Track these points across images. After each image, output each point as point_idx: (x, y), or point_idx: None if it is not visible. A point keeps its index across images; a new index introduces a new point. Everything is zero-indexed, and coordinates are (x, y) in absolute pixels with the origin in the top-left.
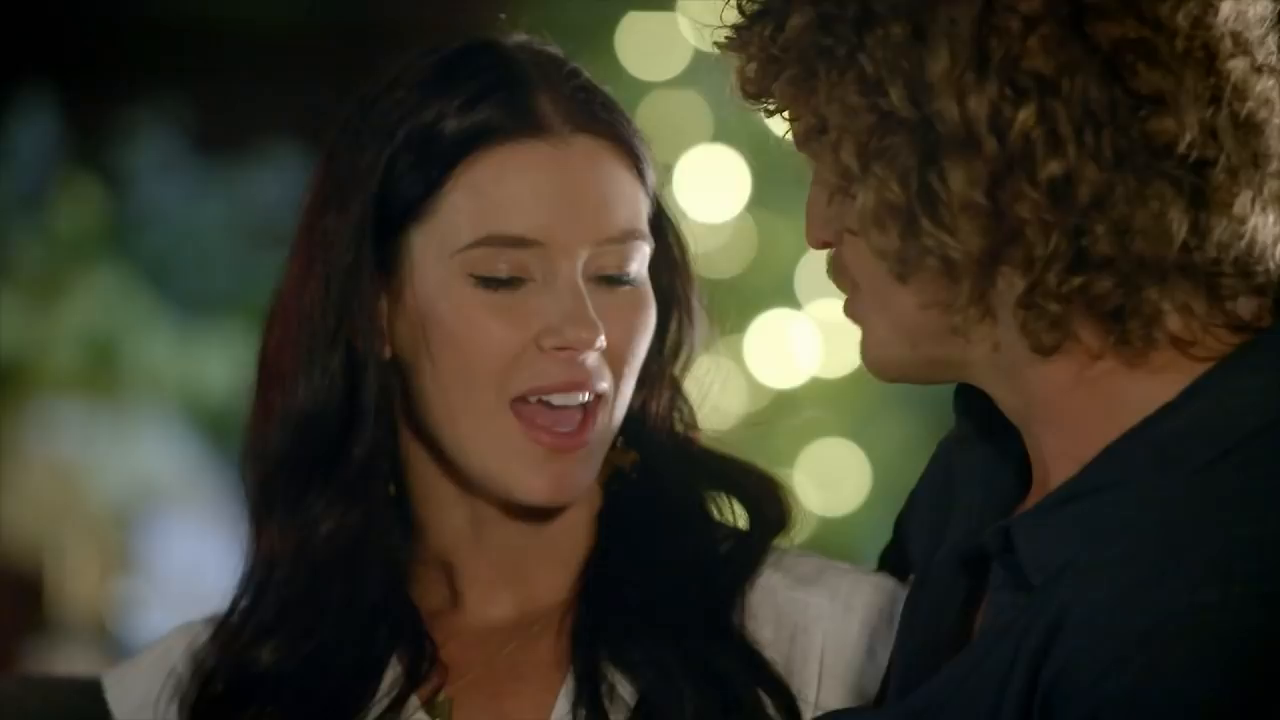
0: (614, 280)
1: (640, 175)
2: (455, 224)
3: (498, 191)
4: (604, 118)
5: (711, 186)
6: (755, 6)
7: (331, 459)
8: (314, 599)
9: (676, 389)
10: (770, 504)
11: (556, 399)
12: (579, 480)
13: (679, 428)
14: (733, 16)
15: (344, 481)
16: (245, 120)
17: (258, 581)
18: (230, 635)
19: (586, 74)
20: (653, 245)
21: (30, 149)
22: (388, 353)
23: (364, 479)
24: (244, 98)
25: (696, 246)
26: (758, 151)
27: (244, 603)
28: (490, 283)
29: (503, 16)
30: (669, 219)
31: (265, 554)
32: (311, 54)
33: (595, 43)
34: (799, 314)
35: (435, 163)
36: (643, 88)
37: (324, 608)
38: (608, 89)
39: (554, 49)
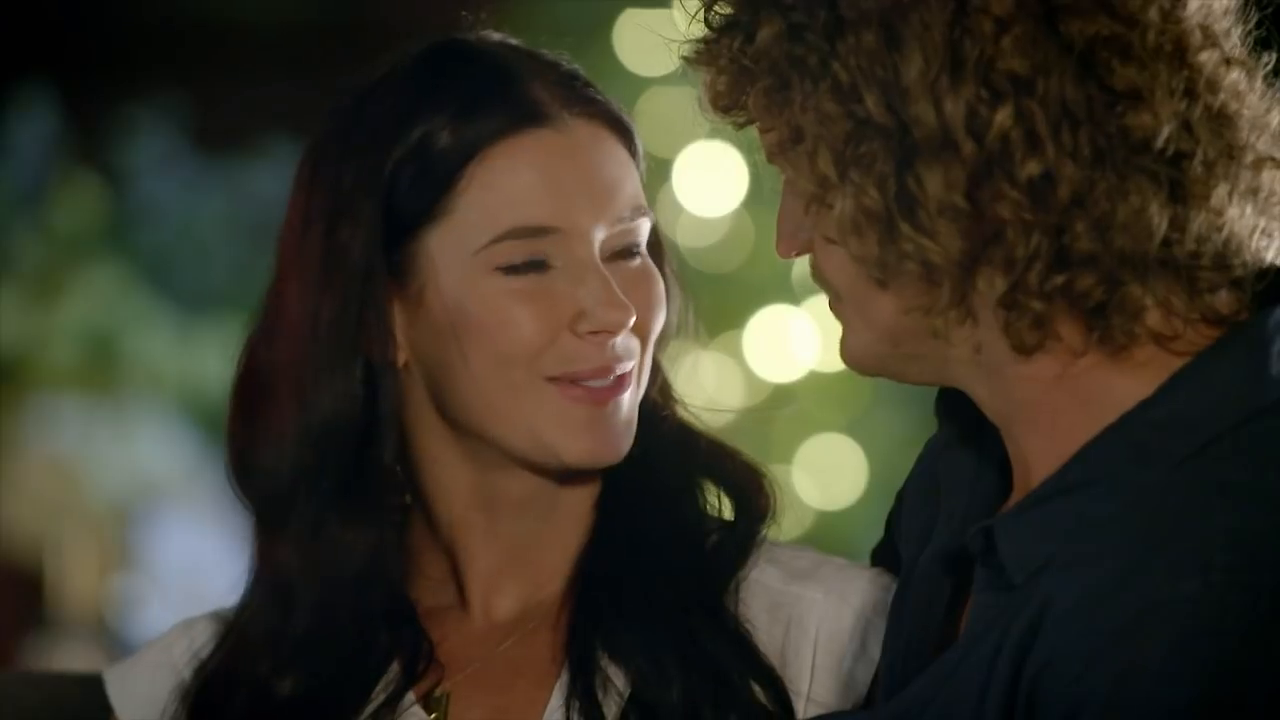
0: (627, 255)
1: (633, 152)
2: (474, 222)
3: (512, 185)
4: (596, 98)
5: (709, 182)
6: (723, 18)
7: (352, 473)
8: (331, 613)
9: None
10: (756, 494)
11: (588, 381)
12: (619, 439)
13: (655, 395)
14: (700, 29)
15: (367, 497)
16: (244, 117)
17: (270, 598)
18: (239, 641)
19: (562, 58)
20: (654, 219)
21: (30, 146)
22: (403, 359)
23: (387, 492)
24: (242, 95)
25: (695, 241)
26: (755, 147)
27: (255, 614)
28: (515, 270)
29: (465, 14)
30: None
31: (278, 569)
32: (310, 53)
33: (593, 39)
34: (797, 309)
35: (445, 166)
36: (640, 84)
37: (339, 619)
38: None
39: (518, 42)
